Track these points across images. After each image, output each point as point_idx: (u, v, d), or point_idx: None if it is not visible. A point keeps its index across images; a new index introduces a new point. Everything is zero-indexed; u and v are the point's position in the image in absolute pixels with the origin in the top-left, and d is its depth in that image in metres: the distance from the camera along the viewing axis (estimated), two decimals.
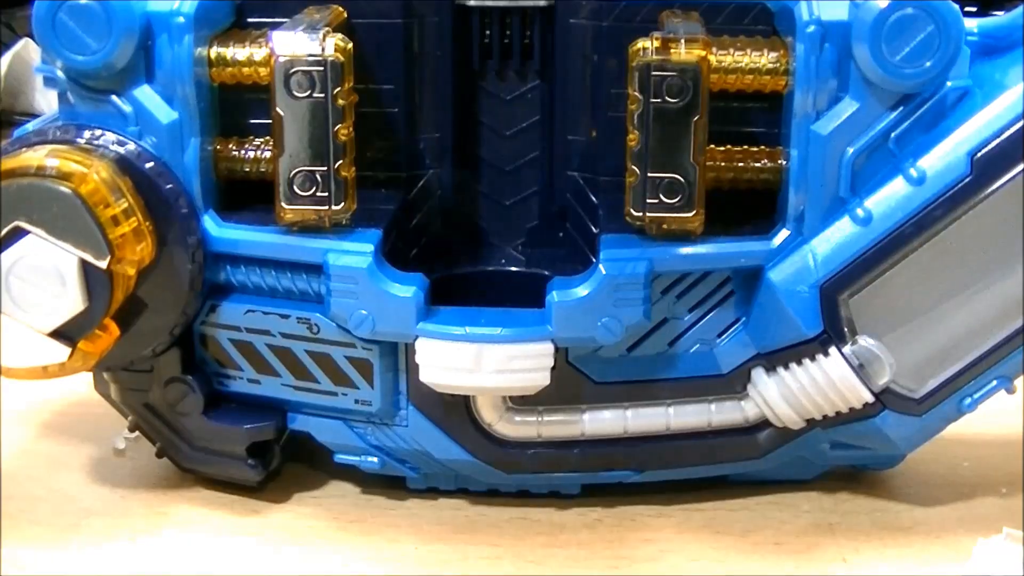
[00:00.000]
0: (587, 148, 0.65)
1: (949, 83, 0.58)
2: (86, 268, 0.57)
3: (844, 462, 0.66)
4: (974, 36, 0.60)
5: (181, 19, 0.59)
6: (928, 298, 0.60)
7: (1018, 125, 0.58)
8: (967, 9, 0.57)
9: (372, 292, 0.60)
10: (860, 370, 0.60)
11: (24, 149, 0.59)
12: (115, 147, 0.60)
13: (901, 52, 0.56)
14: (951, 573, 0.60)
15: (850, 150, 0.58)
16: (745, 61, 0.60)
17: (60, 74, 0.61)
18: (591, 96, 0.65)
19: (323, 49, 0.58)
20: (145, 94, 0.61)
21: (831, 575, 0.60)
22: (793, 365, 0.61)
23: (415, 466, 0.65)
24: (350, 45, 0.59)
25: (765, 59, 0.60)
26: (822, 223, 0.59)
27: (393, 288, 0.60)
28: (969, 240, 0.59)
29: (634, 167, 0.58)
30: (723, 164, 0.62)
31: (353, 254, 0.60)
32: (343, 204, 0.60)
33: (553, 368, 0.60)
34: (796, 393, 0.61)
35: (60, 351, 0.58)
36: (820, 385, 0.60)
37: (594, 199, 0.65)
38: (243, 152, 0.63)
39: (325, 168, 0.59)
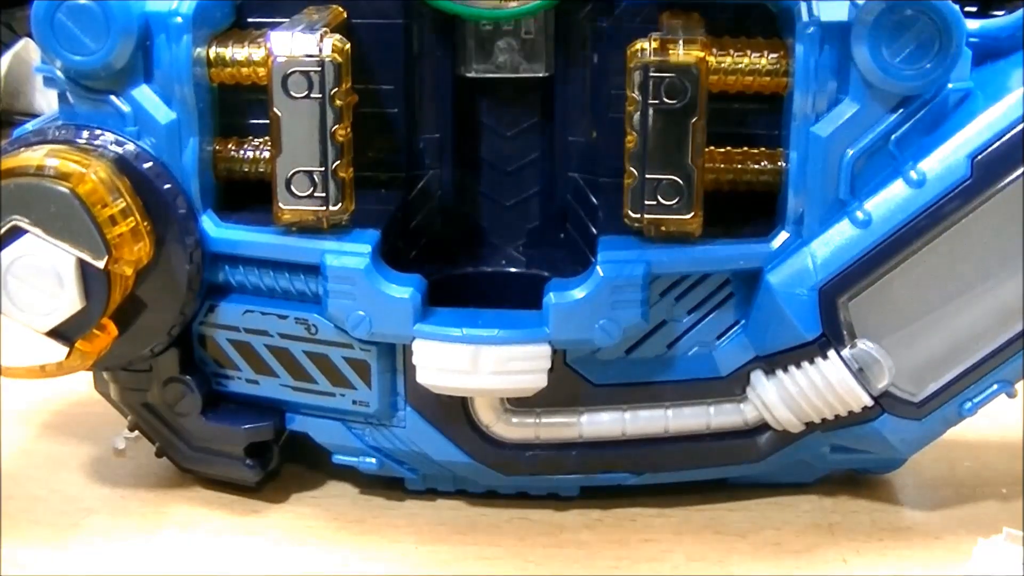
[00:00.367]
0: (588, 149, 0.65)
1: (950, 85, 0.58)
2: (84, 268, 0.57)
3: (844, 466, 0.66)
4: (975, 38, 0.60)
5: (179, 19, 0.59)
6: (928, 301, 0.59)
7: (1019, 128, 0.58)
8: (967, 10, 0.57)
9: (369, 293, 0.60)
10: (859, 374, 0.60)
11: (23, 149, 0.59)
12: (114, 147, 0.60)
13: (901, 54, 0.56)
14: (951, 574, 0.60)
15: (850, 152, 0.58)
16: (744, 62, 0.59)
17: (59, 74, 0.61)
18: (591, 97, 0.64)
19: (320, 50, 0.58)
20: (144, 94, 0.61)
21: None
22: (792, 368, 0.60)
23: (413, 467, 0.65)
24: (348, 46, 0.59)
25: (765, 60, 0.59)
26: (821, 225, 0.59)
27: (390, 289, 0.60)
28: (969, 243, 0.58)
29: (632, 168, 0.58)
30: (722, 165, 0.61)
31: (350, 255, 0.60)
32: (341, 205, 0.60)
33: (551, 370, 0.60)
34: (795, 396, 0.61)
35: (58, 351, 0.58)
36: (819, 388, 0.60)
37: (594, 200, 0.65)
38: (242, 152, 0.63)
39: (323, 168, 0.59)
